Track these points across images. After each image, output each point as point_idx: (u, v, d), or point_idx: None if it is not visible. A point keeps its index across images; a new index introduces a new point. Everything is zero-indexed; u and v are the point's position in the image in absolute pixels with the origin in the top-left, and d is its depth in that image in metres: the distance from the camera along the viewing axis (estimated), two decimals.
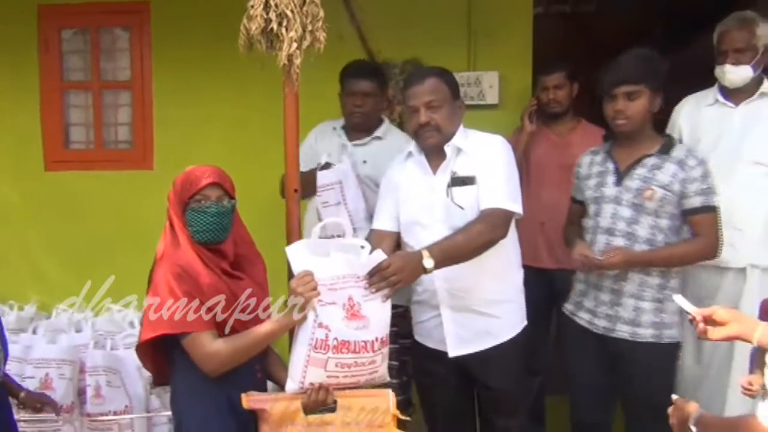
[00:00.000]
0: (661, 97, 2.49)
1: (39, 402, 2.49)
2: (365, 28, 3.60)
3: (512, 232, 2.58)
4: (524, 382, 2.65)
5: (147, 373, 2.58)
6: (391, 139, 3.04)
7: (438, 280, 2.44)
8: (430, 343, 2.55)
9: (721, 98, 2.81)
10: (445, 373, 2.56)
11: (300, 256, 2.04)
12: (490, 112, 3.55)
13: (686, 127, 2.84)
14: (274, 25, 2.01)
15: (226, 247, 2.04)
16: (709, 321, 1.78)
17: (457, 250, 2.26)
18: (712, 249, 2.47)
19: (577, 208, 2.72)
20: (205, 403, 2.00)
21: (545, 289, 3.23)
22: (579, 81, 3.36)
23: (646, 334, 2.46)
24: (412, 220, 2.47)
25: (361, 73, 3.01)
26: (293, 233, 2.21)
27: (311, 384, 2.01)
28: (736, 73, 2.72)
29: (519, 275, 2.57)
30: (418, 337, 2.63)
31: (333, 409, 2.02)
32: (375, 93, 3.02)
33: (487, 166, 2.39)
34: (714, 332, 1.76)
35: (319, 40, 2.06)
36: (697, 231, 2.46)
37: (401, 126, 3.61)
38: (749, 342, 1.72)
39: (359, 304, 2.02)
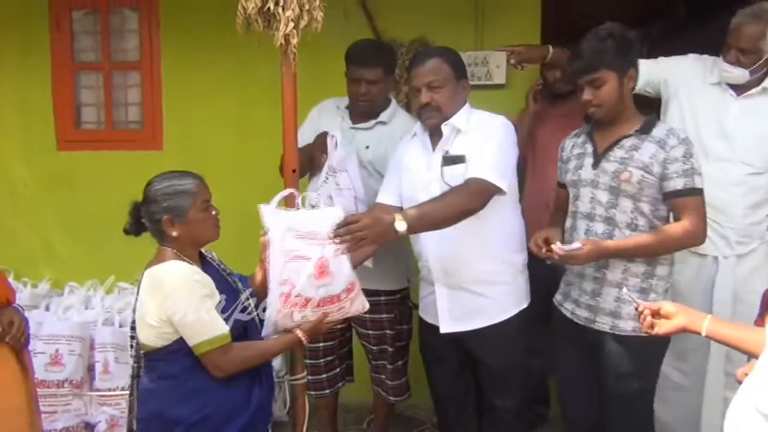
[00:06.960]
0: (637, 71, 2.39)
1: None
2: (371, 5, 3.58)
3: (515, 214, 2.58)
4: (523, 363, 2.65)
5: None
6: (395, 125, 2.94)
7: (432, 257, 2.49)
8: (429, 318, 2.63)
9: (724, 83, 2.72)
10: (445, 349, 2.63)
11: (274, 212, 2.08)
12: (497, 92, 3.52)
13: (684, 93, 2.76)
14: (271, 5, 2.02)
15: None
16: (656, 316, 1.82)
17: (431, 216, 2.26)
18: (695, 235, 2.27)
19: (563, 193, 2.56)
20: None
21: (549, 269, 3.21)
22: None
23: (626, 327, 2.32)
24: (410, 197, 2.50)
25: (366, 60, 2.83)
26: None
27: (284, 329, 2.16)
28: (731, 73, 2.66)
29: (519, 257, 2.58)
30: (420, 312, 2.71)
31: None
32: (380, 80, 2.86)
33: (481, 143, 2.40)
34: (662, 326, 1.80)
35: (317, 19, 2.07)
36: (680, 215, 2.28)
37: (408, 107, 3.60)
38: (698, 333, 1.74)
39: (329, 260, 2.05)
